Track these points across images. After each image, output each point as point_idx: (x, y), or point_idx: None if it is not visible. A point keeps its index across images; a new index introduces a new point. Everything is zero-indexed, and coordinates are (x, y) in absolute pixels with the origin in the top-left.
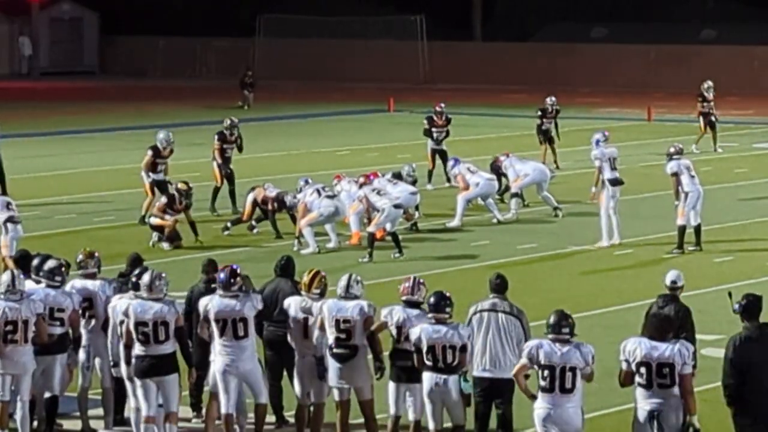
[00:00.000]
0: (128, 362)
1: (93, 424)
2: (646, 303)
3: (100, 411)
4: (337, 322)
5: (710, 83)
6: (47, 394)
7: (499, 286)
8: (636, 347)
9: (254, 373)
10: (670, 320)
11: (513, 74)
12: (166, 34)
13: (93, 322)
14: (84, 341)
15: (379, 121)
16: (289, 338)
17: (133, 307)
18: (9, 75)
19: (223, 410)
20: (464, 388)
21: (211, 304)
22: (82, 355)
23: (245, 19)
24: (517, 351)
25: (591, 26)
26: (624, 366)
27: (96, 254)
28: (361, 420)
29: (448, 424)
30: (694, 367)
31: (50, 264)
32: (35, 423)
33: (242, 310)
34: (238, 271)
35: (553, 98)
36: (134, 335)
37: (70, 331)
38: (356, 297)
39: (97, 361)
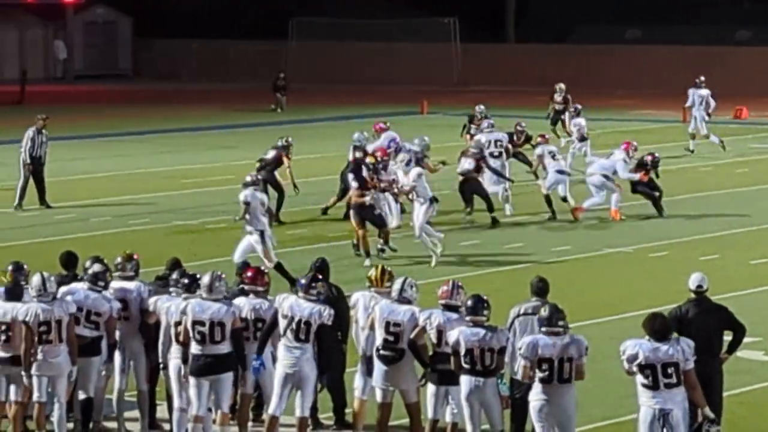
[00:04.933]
0: (185, 360)
1: (129, 426)
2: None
3: (136, 413)
4: (387, 324)
5: (562, 86)
6: (82, 396)
7: (541, 289)
8: (637, 350)
9: (309, 381)
10: (670, 321)
11: (546, 76)
12: (199, 38)
13: (127, 324)
14: (119, 343)
15: (412, 123)
16: (353, 333)
17: (192, 305)
18: (44, 78)
19: (271, 411)
20: (501, 391)
21: (285, 302)
22: (117, 357)
23: (278, 23)
24: None
25: (625, 28)
26: (626, 366)
27: (135, 257)
28: (391, 422)
29: (485, 427)
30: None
31: (95, 268)
32: (71, 425)
33: (311, 314)
34: (320, 277)
35: (482, 106)
36: (191, 334)
37: (106, 336)
38: (409, 301)
39: (133, 363)
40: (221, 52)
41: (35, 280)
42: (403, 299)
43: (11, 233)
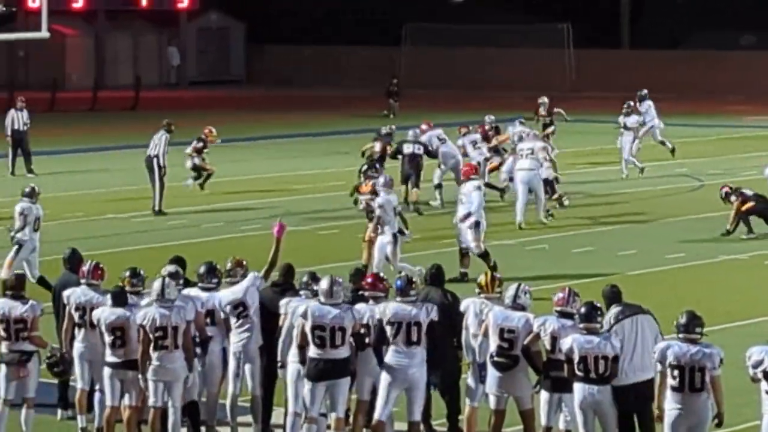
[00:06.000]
0: (303, 362)
1: (242, 431)
2: None
3: (249, 418)
4: (501, 330)
5: (545, 99)
6: (186, 400)
7: (615, 294)
8: (763, 357)
9: (420, 385)
10: None
11: (660, 82)
12: (311, 43)
13: (246, 327)
14: (234, 348)
15: None
16: (464, 339)
17: (312, 309)
18: (158, 84)
19: (377, 416)
20: None
21: (387, 309)
22: (232, 362)
23: (391, 29)
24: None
25: (740, 34)
26: (750, 372)
27: (244, 262)
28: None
29: None
30: None
31: (170, 269)
32: (185, 429)
33: (418, 315)
34: (413, 279)
35: (492, 116)
36: (310, 338)
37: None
38: (523, 308)
39: (247, 367)
40: (334, 57)
41: (156, 285)
42: (517, 306)
43: (124, 239)
